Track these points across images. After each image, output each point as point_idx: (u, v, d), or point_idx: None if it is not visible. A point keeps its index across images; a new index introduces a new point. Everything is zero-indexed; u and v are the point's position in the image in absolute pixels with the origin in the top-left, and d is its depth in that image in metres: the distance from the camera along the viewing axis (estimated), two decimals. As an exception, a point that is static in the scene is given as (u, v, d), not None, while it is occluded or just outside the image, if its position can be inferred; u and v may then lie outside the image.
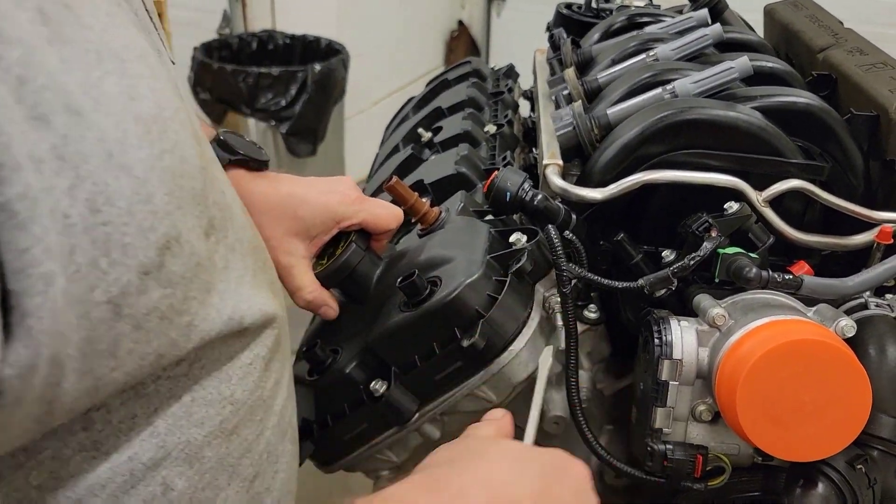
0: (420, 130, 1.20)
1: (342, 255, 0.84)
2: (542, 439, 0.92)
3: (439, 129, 1.20)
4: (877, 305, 0.84)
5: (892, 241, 0.85)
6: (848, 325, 0.75)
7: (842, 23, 1.20)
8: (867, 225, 0.89)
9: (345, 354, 0.85)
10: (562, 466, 0.58)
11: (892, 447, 0.77)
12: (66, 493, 0.49)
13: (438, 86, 1.41)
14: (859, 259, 0.91)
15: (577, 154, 1.01)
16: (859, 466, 0.75)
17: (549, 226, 0.81)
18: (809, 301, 0.81)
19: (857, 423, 0.70)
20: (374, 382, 0.82)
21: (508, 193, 0.86)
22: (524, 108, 1.39)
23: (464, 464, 0.56)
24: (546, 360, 0.81)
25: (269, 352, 0.63)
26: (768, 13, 1.33)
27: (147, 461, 0.52)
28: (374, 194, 1.12)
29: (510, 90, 1.34)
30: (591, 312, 0.91)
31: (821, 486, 0.74)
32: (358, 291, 0.87)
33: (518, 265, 0.81)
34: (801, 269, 0.84)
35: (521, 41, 1.64)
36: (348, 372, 0.83)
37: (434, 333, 0.79)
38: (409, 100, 1.51)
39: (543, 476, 0.56)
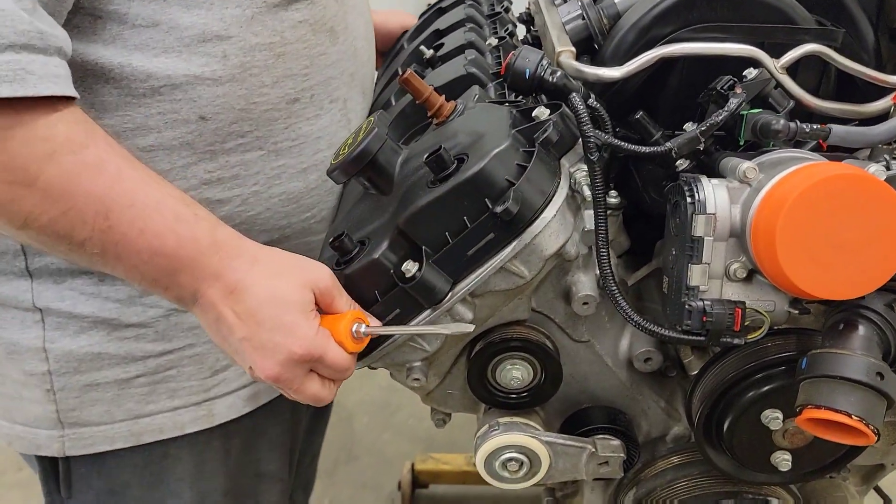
0: (422, 48, 1.18)
1: (363, 140, 0.83)
2: (571, 323, 0.92)
3: (441, 46, 1.19)
4: (898, 166, 0.85)
5: (910, 100, 0.85)
6: (878, 169, 0.76)
7: None
8: (881, 94, 0.89)
9: (373, 243, 0.84)
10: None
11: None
12: None
13: (433, 14, 1.40)
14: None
15: (586, 50, 1.01)
16: (897, 308, 0.75)
17: (574, 94, 0.81)
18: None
19: (898, 254, 0.70)
20: (405, 263, 0.80)
21: (528, 71, 0.85)
22: (520, 33, 1.38)
23: None
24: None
25: (316, 20, 0.92)
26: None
27: None
28: (385, 105, 1.11)
29: (507, 10, 1.33)
30: (612, 198, 0.91)
31: (861, 328, 0.74)
32: (381, 179, 0.86)
33: (545, 135, 0.80)
34: (823, 134, 0.84)
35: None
36: (378, 257, 0.81)
37: (464, 207, 0.78)
38: (401, 36, 1.49)
39: None
